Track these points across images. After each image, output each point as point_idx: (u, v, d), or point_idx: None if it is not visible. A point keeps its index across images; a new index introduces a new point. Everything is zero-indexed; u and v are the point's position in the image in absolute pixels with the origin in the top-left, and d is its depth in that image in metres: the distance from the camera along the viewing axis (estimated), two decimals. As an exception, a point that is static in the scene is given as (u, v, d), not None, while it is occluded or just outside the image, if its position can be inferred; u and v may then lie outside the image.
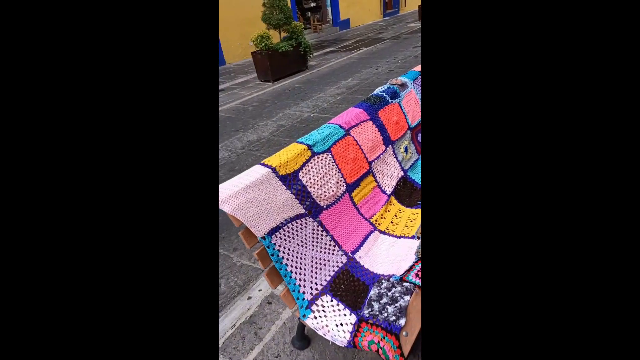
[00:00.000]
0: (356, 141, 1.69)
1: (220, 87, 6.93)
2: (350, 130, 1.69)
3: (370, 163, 1.73)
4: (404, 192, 1.84)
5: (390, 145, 1.90)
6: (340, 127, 1.68)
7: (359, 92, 5.46)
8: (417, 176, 1.97)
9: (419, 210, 1.67)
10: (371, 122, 1.83)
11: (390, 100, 2.02)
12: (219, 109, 5.58)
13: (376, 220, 1.60)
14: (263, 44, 6.37)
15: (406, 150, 2.02)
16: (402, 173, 1.92)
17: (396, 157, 1.92)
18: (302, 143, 1.48)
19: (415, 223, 1.59)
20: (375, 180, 1.74)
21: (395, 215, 1.68)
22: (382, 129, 1.88)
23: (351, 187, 1.59)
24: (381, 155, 1.81)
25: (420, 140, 2.16)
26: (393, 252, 1.44)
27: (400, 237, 1.52)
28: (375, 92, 2.05)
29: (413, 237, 1.48)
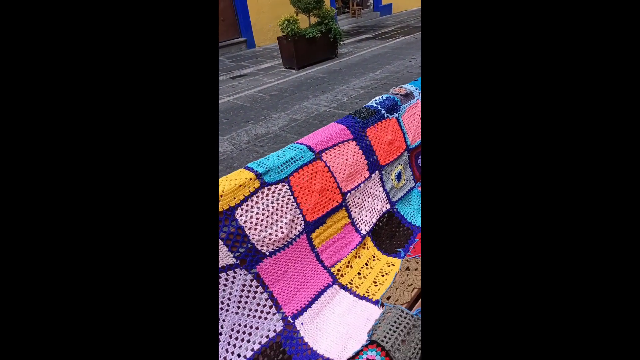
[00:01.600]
0: (328, 167, 1.39)
1: (244, 71, 6.75)
2: (322, 154, 1.39)
3: (344, 194, 1.42)
4: (385, 231, 1.51)
5: (377, 172, 1.58)
6: (309, 148, 1.38)
7: (384, 86, 5.04)
8: (407, 210, 1.63)
9: (398, 262, 1.36)
10: (354, 143, 1.51)
11: (386, 115, 1.68)
12: (238, 95, 5.41)
13: (339, 270, 1.31)
14: (289, 29, 6.06)
15: (399, 177, 1.68)
16: (388, 206, 1.59)
17: (383, 186, 1.60)
18: (250, 170, 1.21)
19: (388, 279, 1.28)
20: (349, 216, 1.44)
21: (367, 264, 1.37)
22: (368, 151, 1.55)
23: (312, 227, 1.30)
24: (362, 185, 1.50)
25: (421, 164, 1.81)
26: (348, 320, 1.15)
27: (362, 297, 1.22)
28: (369, 104, 1.72)
29: (376, 303, 1.18)
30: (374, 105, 1.70)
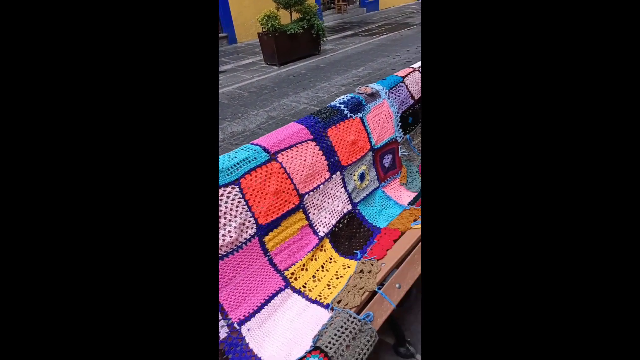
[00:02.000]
0: (284, 168, 1.36)
1: (224, 67, 6.66)
2: (278, 155, 1.37)
3: (302, 196, 1.40)
4: (345, 232, 1.50)
5: (339, 172, 1.56)
6: (264, 149, 1.35)
7: (366, 83, 5.03)
8: (369, 211, 1.62)
9: (354, 264, 1.34)
10: (314, 143, 1.49)
11: (349, 115, 1.66)
12: (219, 91, 5.32)
13: (293, 274, 1.29)
14: (270, 25, 5.99)
15: (362, 177, 1.67)
16: (349, 207, 1.57)
17: (345, 187, 1.58)
18: (198, 172, 1.17)
19: (342, 282, 1.27)
20: (307, 218, 1.42)
21: (322, 267, 1.36)
22: (329, 151, 1.53)
23: (264, 230, 1.28)
24: (321, 186, 1.48)
25: (387, 165, 1.80)
26: (297, 325, 1.13)
27: (314, 301, 1.21)
28: (332, 104, 1.70)
29: (327, 307, 1.16)
30: (337, 104, 1.68)
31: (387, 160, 1.80)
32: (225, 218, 1.17)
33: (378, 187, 1.72)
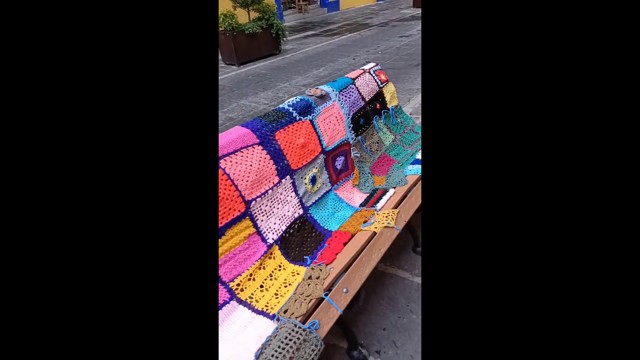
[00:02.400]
0: (227, 175, 1.31)
1: (182, 67, 6.40)
2: (221, 161, 1.31)
3: (248, 203, 1.35)
4: (296, 238, 1.47)
5: (288, 176, 1.53)
6: (208, 155, 1.29)
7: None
8: (321, 214, 1.60)
9: (303, 270, 1.32)
10: (260, 147, 1.44)
11: (298, 117, 1.63)
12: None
13: (239, 285, 1.24)
14: (227, 24, 5.84)
15: (313, 180, 1.65)
16: (300, 211, 1.55)
17: (295, 191, 1.55)
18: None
19: (290, 290, 1.23)
20: (255, 226, 1.37)
21: (271, 275, 1.32)
22: (277, 155, 1.49)
23: (208, 240, 1.22)
24: (270, 191, 1.44)
25: (339, 167, 1.79)
26: (241, 339, 1.08)
27: (261, 312, 1.17)
28: (280, 106, 1.66)
29: (273, 317, 1.13)
30: (286, 107, 1.65)
31: (340, 162, 1.79)
32: (161, 230, 1.10)
33: (330, 190, 1.71)
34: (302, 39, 8.37)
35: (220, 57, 6.61)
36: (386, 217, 1.43)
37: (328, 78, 5.35)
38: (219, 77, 5.73)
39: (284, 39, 6.94)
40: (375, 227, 1.38)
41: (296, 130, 1.60)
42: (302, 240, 1.46)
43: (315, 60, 6.40)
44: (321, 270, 1.25)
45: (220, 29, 6.02)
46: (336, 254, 1.31)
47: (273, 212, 1.44)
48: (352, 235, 1.40)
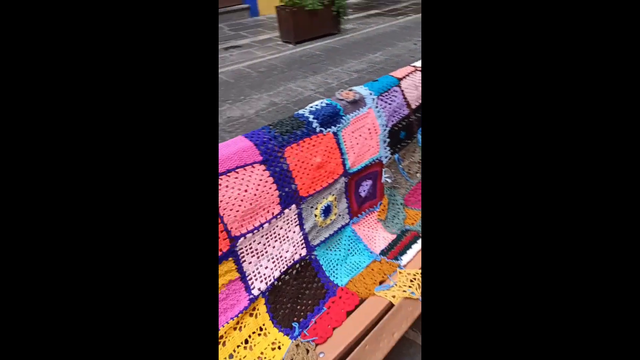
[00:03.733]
0: (211, 204, 1.00)
1: (239, 42, 6.19)
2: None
3: (234, 240, 1.04)
4: (291, 288, 1.13)
5: (294, 205, 1.18)
6: (189, 176, 0.98)
7: (380, 72, 4.49)
8: (330, 258, 1.24)
9: (287, 343, 0.98)
10: (262, 167, 1.11)
11: (318, 129, 1.26)
12: (225, 69, 4.93)
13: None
14: (287, -1, 5.45)
15: (327, 211, 1.28)
16: (303, 252, 1.20)
17: (301, 225, 1.20)
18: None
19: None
20: (239, 270, 1.05)
21: (247, 341, 1.00)
22: (283, 177, 1.15)
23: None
24: (266, 224, 1.10)
25: (364, 194, 1.40)
26: None
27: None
28: (299, 112, 1.29)
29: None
30: (306, 114, 1.27)
31: (365, 188, 1.39)
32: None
33: (347, 224, 1.33)
34: (364, 18, 7.69)
35: (278, 34, 6.28)
36: (411, 281, 1.03)
37: (383, 65, 4.79)
38: (273, 57, 5.42)
39: (345, 17, 6.38)
40: (393, 296, 1.00)
41: (313, 145, 1.24)
42: (297, 292, 1.12)
43: (373, 43, 5.81)
44: (309, 348, 0.91)
45: (282, 3, 5.67)
46: (334, 329, 0.95)
47: (266, 252, 1.11)
48: (361, 301, 1.03)
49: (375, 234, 1.33)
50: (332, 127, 1.30)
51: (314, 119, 1.26)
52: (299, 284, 1.14)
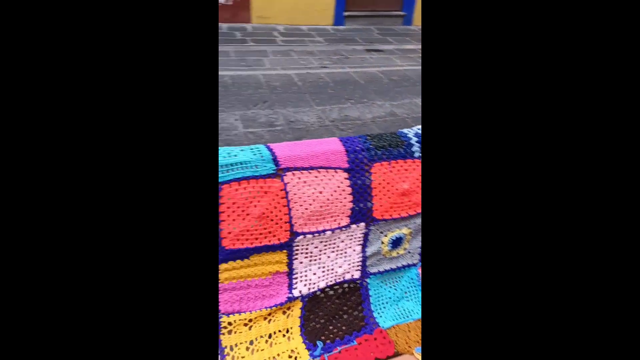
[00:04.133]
0: (286, 192, 1.00)
1: (382, 47, 6.21)
2: (287, 173, 1.01)
3: (294, 235, 1.02)
4: (330, 306, 1.06)
5: (363, 224, 1.10)
6: (274, 159, 1.01)
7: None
8: (383, 292, 1.12)
9: (306, 357, 0.92)
10: (345, 175, 1.06)
11: (417, 155, 1.14)
12: (358, 70, 5.02)
13: (231, 324, 0.96)
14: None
15: (396, 243, 1.15)
16: (357, 274, 1.11)
17: (363, 246, 1.11)
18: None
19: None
20: (289, 264, 1.04)
21: (270, 336, 0.97)
22: (361, 192, 1.08)
23: (226, 255, 0.97)
24: (329, 232, 1.06)
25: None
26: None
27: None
28: (403, 130, 1.19)
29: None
30: (410, 135, 1.17)
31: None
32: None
33: (414, 265, 1.18)
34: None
35: (423, 47, 6.06)
36: None
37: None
38: (411, 68, 5.27)
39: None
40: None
41: (406, 169, 1.13)
42: (336, 312, 1.05)
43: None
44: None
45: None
46: (354, 370, 0.86)
47: (320, 260, 1.07)
48: (396, 354, 0.90)
49: (441, 288, 1.16)
50: (435, 157, 1.16)
51: (416, 142, 1.15)
52: (340, 305, 1.07)
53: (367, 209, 1.09)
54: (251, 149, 1.03)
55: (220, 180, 0.95)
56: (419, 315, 1.07)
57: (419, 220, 1.16)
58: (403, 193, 1.12)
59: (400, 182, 1.11)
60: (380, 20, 7.75)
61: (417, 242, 1.18)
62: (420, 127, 1.20)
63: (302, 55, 5.33)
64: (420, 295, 1.14)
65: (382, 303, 1.11)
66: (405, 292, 1.14)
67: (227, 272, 0.99)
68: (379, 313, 1.08)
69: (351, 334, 1.01)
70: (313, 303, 1.05)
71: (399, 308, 1.10)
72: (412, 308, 1.10)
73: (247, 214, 0.99)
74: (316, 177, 1.04)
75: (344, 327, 1.03)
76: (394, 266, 1.15)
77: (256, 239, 1.00)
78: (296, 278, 1.05)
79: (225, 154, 0.98)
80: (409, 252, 1.18)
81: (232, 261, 0.99)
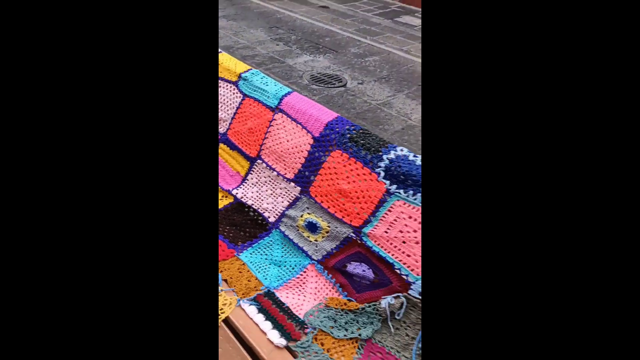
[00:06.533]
0: (269, 124, 1.22)
1: None
2: (281, 113, 1.21)
3: (259, 157, 1.26)
4: (243, 219, 1.25)
5: (299, 188, 1.15)
6: (281, 99, 1.22)
7: None
8: (275, 251, 1.17)
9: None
10: (311, 140, 1.13)
11: (377, 170, 0.98)
12: None
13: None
14: None
15: (311, 227, 1.12)
16: (272, 219, 1.21)
17: (290, 205, 1.17)
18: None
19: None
20: (246, 174, 1.29)
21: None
22: (312, 163, 1.12)
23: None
24: (277, 174, 1.20)
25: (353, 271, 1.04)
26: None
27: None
28: (390, 145, 1.02)
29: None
30: (389, 154, 0.99)
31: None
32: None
33: (312, 260, 1.11)
34: None
35: None
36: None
37: None
38: None
39: None
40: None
41: (357, 173, 1.02)
42: (244, 225, 1.25)
43: None
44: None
45: None
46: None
47: (260, 187, 1.26)
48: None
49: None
50: (400, 189, 0.96)
51: (385, 165, 0.99)
52: (251, 224, 1.26)
53: (309, 181, 1.13)
54: (275, 84, 1.28)
55: (245, 92, 1.30)
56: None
57: (340, 227, 1.07)
58: (340, 190, 1.05)
59: (344, 179, 1.05)
60: None
61: (327, 244, 1.10)
62: (405, 151, 0.99)
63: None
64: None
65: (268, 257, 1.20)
66: (283, 266, 1.15)
67: (221, 150, 1.39)
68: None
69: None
70: (236, 207, 1.30)
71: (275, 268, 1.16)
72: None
73: (245, 124, 1.31)
74: (293, 128, 1.18)
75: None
76: (297, 241, 1.17)
77: (241, 142, 1.32)
78: (242, 186, 1.32)
79: (259, 78, 1.30)
80: (315, 247, 1.13)
81: (225, 145, 1.38)
